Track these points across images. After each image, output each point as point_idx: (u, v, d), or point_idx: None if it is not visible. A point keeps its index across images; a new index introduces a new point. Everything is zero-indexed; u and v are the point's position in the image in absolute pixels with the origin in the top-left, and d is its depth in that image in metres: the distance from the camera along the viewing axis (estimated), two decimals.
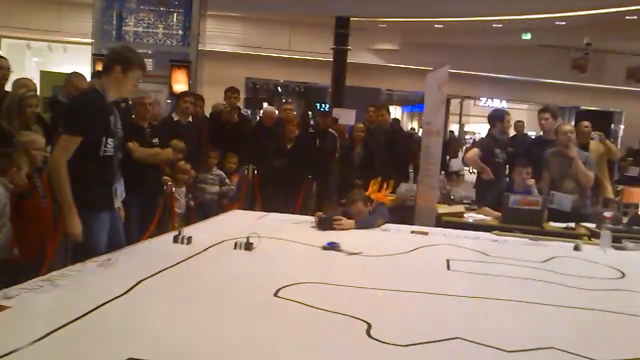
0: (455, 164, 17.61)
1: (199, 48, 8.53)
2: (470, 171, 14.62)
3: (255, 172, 6.40)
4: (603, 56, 15.91)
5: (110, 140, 3.13)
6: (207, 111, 7.49)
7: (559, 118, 6.68)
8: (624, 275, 3.25)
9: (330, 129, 7.61)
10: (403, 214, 5.79)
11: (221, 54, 14.44)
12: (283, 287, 2.48)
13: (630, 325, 2.40)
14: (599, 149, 6.25)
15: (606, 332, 2.30)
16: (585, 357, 1.92)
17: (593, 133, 6.19)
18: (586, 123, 6.31)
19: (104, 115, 3.11)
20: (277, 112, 7.57)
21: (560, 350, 1.97)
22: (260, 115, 7.83)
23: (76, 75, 5.17)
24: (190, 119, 5.96)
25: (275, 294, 2.41)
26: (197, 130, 6.01)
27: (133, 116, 5.07)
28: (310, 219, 4.21)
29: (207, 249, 3.14)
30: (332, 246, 3.30)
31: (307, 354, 1.86)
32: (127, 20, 8.50)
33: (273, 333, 2.00)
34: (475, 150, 5.95)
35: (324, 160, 7.15)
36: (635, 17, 11.97)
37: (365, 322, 2.11)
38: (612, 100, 16.51)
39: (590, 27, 13.43)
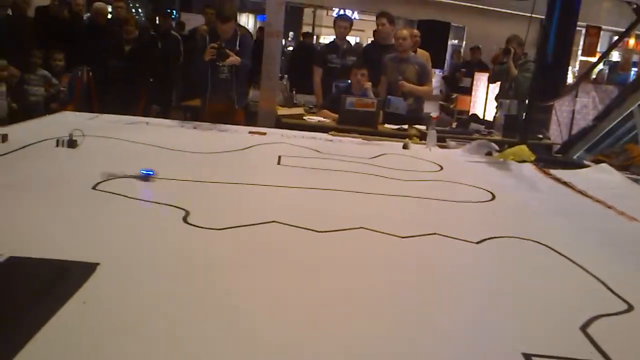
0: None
1: None
2: None
3: (91, 73, 5.98)
4: None
5: None
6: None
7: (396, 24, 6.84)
8: (442, 168, 3.51)
9: (173, 32, 7.27)
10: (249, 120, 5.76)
11: None
12: (102, 181, 2.40)
13: (432, 208, 2.61)
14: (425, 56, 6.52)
15: (412, 214, 2.47)
16: (389, 234, 2.07)
17: None
18: (416, 32, 6.51)
19: None
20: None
21: (367, 229, 2.10)
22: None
23: None
24: (9, 12, 5.40)
25: (94, 187, 2.33)
26: (18, 26, 5.46)
27: None
28: (145, 119, 4.08)
29: (25, 146, 2.93)
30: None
31: (123, 237, 1.82)
32: None
33: (90, 222, 1.94)
34: (315, 76, 5.94)
35: (166, 63, 6.87)
36: None
37: (183, 209, 2.11)
38: (456, 15, 17.14)
39: None
